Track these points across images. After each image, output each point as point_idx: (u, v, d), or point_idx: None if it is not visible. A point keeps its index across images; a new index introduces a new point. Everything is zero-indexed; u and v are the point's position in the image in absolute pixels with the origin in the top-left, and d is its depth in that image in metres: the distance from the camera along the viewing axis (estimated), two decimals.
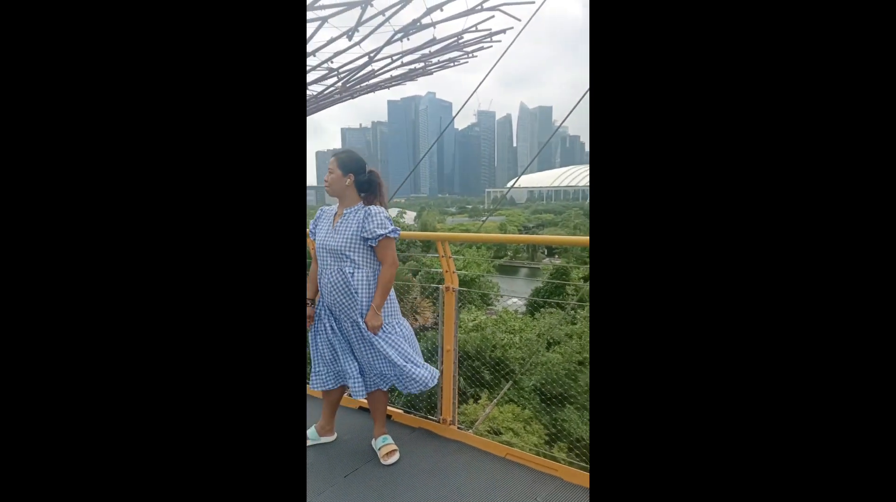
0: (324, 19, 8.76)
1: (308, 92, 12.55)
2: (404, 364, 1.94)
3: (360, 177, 1.93)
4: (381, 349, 1.93)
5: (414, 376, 1.95)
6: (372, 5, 8.77)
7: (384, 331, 1.94)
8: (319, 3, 8.27)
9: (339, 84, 12.23)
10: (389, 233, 1.86)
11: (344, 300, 1.90)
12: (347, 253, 1.88)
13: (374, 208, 1.89)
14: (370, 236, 1.85)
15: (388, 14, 9.44)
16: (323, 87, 12.45)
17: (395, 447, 2.05)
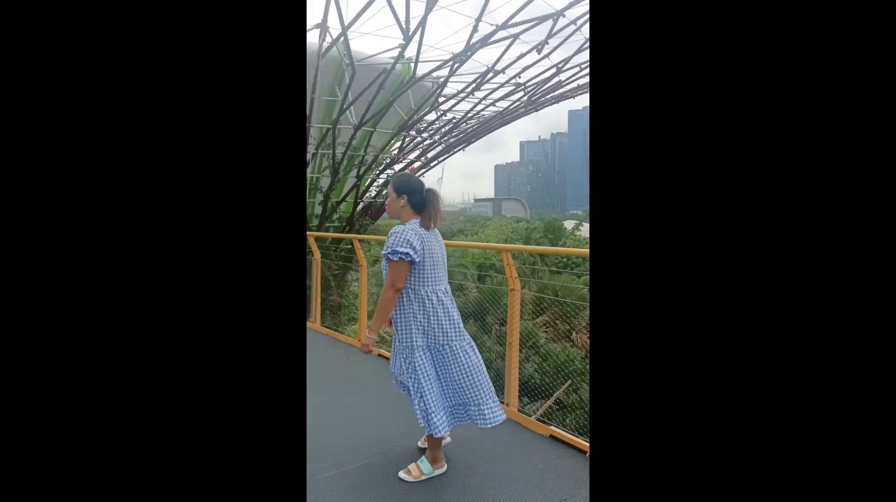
0: (515, 36, 8.93)
1: (494, 108, 13.01)
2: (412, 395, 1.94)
3: (413, 197, 1.93)
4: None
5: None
6: (564, 16, 8.57)
7: (408, 363, 1.91)
8: (511, 22, 8.44)
9: (525, 98, 12.35)
10: (389, 254, 1.83)
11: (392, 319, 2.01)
12: (382, 269, 1.95)
13: (399, 228, 1.88)
14: (384, 253, 1.87)
15: (579, 23, 9.12)
16: (509, 103, 12.75)
17: (419, 472, 1.97)
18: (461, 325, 1.96)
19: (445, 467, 2.02)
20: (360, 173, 11.67)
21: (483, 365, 1.97)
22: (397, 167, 12.91)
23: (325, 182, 11.40)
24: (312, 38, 9.44)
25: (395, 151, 12.99)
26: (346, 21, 8.12)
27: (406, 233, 1.85)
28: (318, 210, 11.47)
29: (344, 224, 12.21)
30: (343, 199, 12.09)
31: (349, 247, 12.20)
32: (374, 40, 11.89)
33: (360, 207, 12.48)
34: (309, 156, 10.72)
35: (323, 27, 8.67)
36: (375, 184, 13.06)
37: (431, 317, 1.88)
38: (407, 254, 1.82)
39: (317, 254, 4.98)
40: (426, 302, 1.88)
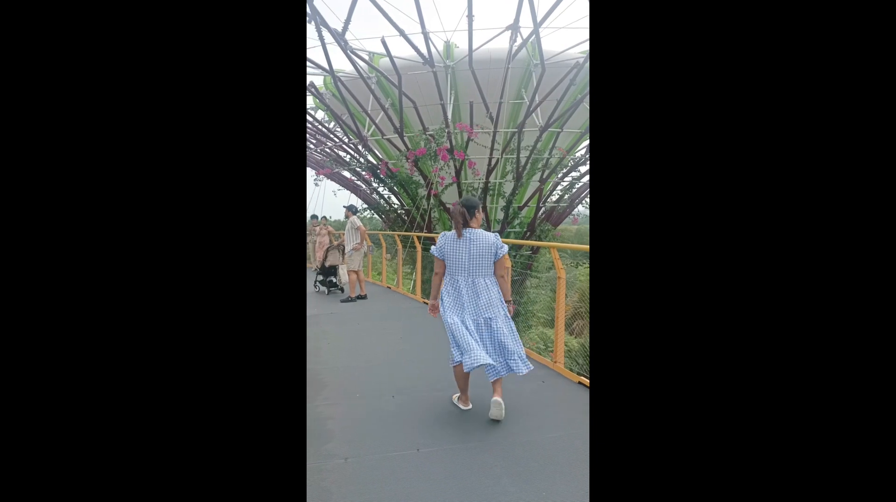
0: None
1: None
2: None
3: (468, 211, 2.69)
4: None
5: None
6: None
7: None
8: None
9: None
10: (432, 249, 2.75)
11: None
12: None
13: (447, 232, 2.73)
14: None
15: None
16: None
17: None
18: (477, 306, 2.67)
19: (469, 407, 2.79)
20: (544, 177, 11.19)
21: (491, 332, 2.66)
22: (583, 169, 12.02)
23: (507, 187, 11.27)
24: (502, 42, 9.36)
25: (582, 152, 12.12)
26: (539, 18, 7.72)
27: (439, 239, 2.74)
28: (500, 215, 11.40)
29: (525, 229, 11.90)
30: (525, 204, 11.79)
31: (528, 253, 11.88)
32: (565, 35, 11.29)
33: (541, 212, 12.01)
34: (493, 162, 10.71)
35: (514, 28, 8.47)
36: (559, 187, 12.43)
37: (445, 295, 2.73)
38: (433, 252, 2.75)
39: None
40: (446, 284, 2.74)
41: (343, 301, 6.55)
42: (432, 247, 2.75)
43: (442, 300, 2.73)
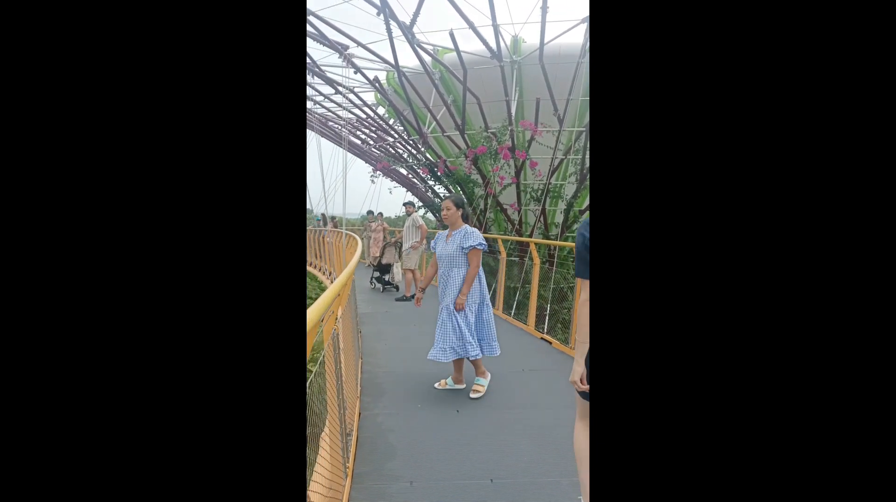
0: None
1: None
2: (465, 333, 3.02)
3: (464, 211, 3.15)
4: (455, 323, 3.05)
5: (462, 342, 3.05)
6: None
7: (463, 312, 3.05)
8: None
9: None
10: (477, 245, 3.02)
11: (449, 289, 3.07)
12: (455, 258, 3.08)
13: (472, 230, 3.08)
14: (466, 247, 3.03)
15: None
16: None
17: (482, 387, 3.09)
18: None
19: (489, 375, 3.23)
20: None
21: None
22: None
23: (569, 190, 10.73)
24: (572, 37, 8.87)
25: None
26: None
27: (479, 235, 3.06)
28: (560, 219, 10.89)
29: None
30: (587, 208, 11.20)
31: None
32: None
33: None
34: (556, 162, 10.23)
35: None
36: None
37: (480, 286, 3.13)
38: (485, 245, 3.08)
39: (536, 260, 5.18)
40: (482, 276, 3.17)
41: (398, 300, 6.38)
42: (479, 242, 3.11)
43: (475, 292, 3.10)
